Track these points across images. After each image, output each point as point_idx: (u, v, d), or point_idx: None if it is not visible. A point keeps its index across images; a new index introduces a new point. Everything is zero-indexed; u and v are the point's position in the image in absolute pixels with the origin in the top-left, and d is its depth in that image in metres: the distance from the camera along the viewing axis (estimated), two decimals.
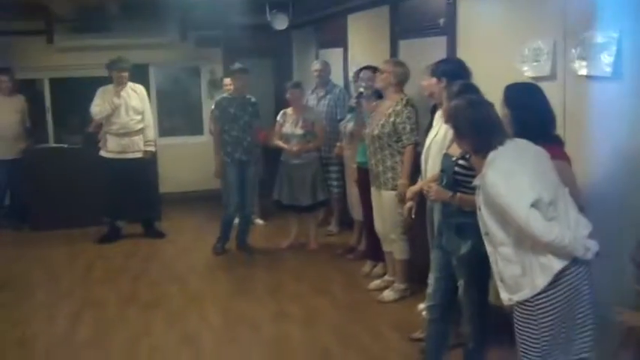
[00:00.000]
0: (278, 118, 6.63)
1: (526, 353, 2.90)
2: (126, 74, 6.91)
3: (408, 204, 4.23)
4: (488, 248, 2.95)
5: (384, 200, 5.09)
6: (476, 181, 2.92)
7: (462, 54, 4.83)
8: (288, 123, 6.48)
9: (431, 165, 4.17)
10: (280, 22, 7.74)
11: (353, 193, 6.22)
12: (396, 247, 5.17)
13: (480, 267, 3.49)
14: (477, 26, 4.71)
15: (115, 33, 8.33)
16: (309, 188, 6.47)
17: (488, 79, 4.08)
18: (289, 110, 6.55)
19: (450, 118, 3.05)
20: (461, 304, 3.68)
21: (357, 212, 6.26)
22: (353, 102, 5.15)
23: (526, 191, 2.74)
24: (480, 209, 2.93)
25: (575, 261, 2.77)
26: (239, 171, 6.43)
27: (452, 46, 4.95)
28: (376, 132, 5.00)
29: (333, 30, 7.60)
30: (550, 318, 2.80)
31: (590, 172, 3.50)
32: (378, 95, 5.38)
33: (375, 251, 5.80)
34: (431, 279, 3.79)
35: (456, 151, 3.57)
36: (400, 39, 5.90)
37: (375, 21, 6.46)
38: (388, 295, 5.21)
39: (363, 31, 6.89)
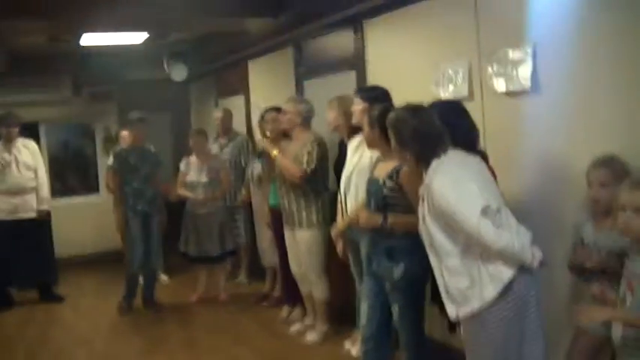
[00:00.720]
0: (181, 166, 6.41)
1: None
2: (16, 130, 6.52)
3: (340, 244, 4.16)
4: (433, 261, 2.85)
5: (299, 240, 4.95)
6: (421, 191, 2.83)
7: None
8: (193, 171, 6.26)
9: (353, 193, 4.08)
10: (179, 73, 7.62)
11: (264, 238, 6.05)
12: (315, 288, 5.02)
13: (414, 290, 3.48)
14: (387, 56, 4.75)
15: (3, 89, 7.86)
16: (217, 238, 6.22)
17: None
18: (192, 158, 6.35)
19: (392, 128, 2.94)
20: (397, 331, 3.58)
21: (269, 258, 6.08)
22: (261, 146, 5.04)
23: (475, 198, 2.69)
24: (423, 220, 2.83)
25: (521, 269, 2.72)
26: (142, 223, 6.10)
27: (362, 79, 4.97)
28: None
29: (233, 78, 7.54)
30: (501, 331, 2.72)
31: (514, 185, 3.52)
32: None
33: (291, 295, 5.63)
34: (363, 309, 3.67)
35: (380, 174, 3.53)
36: (305, 79, 5.89)
37: (277, 64, 6.47)
38: (311, 337, 5.03)
39: (265, 75, 6.87)
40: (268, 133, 5.10)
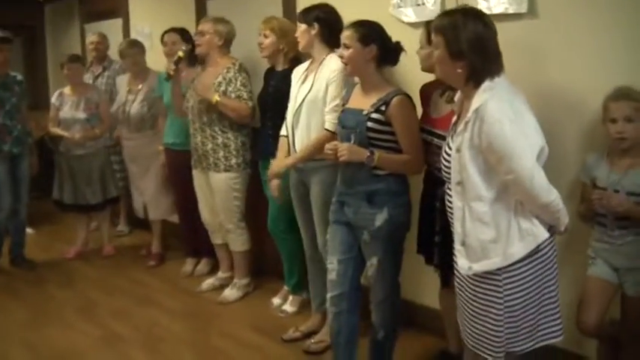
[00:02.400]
0: (53, 100, 5.39)
1: (481, 341, 2.40)
2: None
3: (275, 182, 3.60)
4: (456, 202, 2.38)
5: (215, 185, 4.31)
6: (457, 112, 2.33)
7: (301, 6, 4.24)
8: (67, 106, 5.28)
9: (303, 127, 3.49)
10: None
11: (147, 185, 5.26)
12: (233, 238, 4.43)
13: (396, 239, 3.05)
14: None
15: None
16: (98, 183, 5.35)
17: None
18: (67, 90, 5.36)
19: (445, 33, 2.32)
20: (371, 287, 3.13)
21: (155, 209, 5.30)
22: (171, 69, 4.23)
23: (534, 136, 2.25)
24: (457, 151, 2.34)
25: (551, 231, 2.36)
26: (10, 167, 5.07)
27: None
28: (205, 105, 4.19)
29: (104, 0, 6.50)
30: (519, 296, 2.33)
31: None
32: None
33: (194, 247, 5.03)
34: (333, 263, 3.16)
35: (362, 105, 3.02)
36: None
37: None
38: (230, 294, 4.44)
39: None
40: (181, 53, 4.27)
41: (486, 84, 2.28)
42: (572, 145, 2.97)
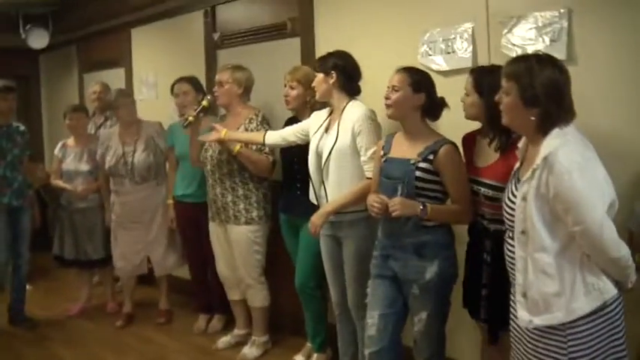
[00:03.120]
0: (56, 151, 5.24)
1: None
2: None
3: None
4: (519, 252, 2.27)
5: (235, 237, 4.14)
6: (538, 161, 2.18)
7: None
8: (70, 157, 5.13)
9: (335, 179, 3.36)
10: (38, 40, 6.31)
11: (154, 241, 4.92)
12: (253, 294, 4.24)
13: (446, 294, 2.95)
14: (343, 18, 4.08)
15: None
16: (100, 237, 5.12)
17: (378, 82, 3.48)
18: (70, 141, 5.21)
19: (518, 78, 2.24)
20: (417, 344, 3.00)
21: (161, 265, 4.97)
22: (192, 115, 4.05)
23: (605, 189, 2.16)
24: (522, 199, 2.23)
25: (618, 287, 2.25)
26: (9, 220, 4.85)
27: (308, 48, 4.24)
28: (225, 156, 4.06)
29: (109, 48, 6.38)
30: (584, 355, 2.19)
31: None
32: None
33: (207, 302, 4.83)
34: (374, 318, 3.02)
35: (405, 153, 2.92)
36: (219, 48, 5.02)
37: (177, 31, 5.50)
38: (249, 352, 4.23)
39: (155, 45, 5.84)
40: (205, 102, 4.12)
41: (556, 131, 2.21)
42: (621, 193, 2.88)
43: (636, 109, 2.83)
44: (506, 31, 3.25)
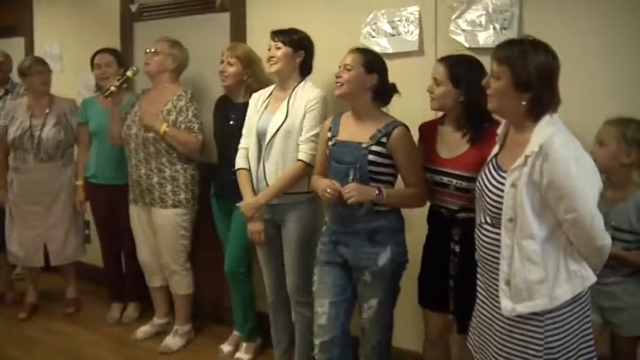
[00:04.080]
0: None
1: None
2: None
3: (258, 226, 3.30)
4: (506, 240, 2.21)
5: (160, 221, 3.90)
6: (532, 148, 2.13)
7: (252, 36, 4.01)
8: None
9: (276, 160, 3.23)
10: None
11: (55, 225, 4.49)
12: (177, 281, 4.02)
13: (396, 280, 2.90)
14: None
15: None
16: None
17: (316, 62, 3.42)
18: None
19: (510, 62, 2.17)
20: (365, 331, 2.95)
21: (62, 252, 4.52)
22: (114, 85, 3.77)
23: (596, 178, 2.15)
24: (512, 186, 2.18)
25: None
26: None
27: (239, 24, 4.05)
28: (151, 134, 3.81)
29: (6, 14, 5.82)
30: (560, 338, 2.21)
31: None
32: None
33: (120, 290, 4.55)
34: (324, 306, 2.92)
35: (356, 137, 2.84)
36: (137, 21, 4.71)
37: (87, 0, 5.12)
38: (173, 342, 4.02)
39: (60, 13, 5.40)
40: (130, 73, 3.89)
41: (547, 118, 2.18)
42: None
43: (588, 94, 2.88)
44: (455, 16, 3.24)
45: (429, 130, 2.92)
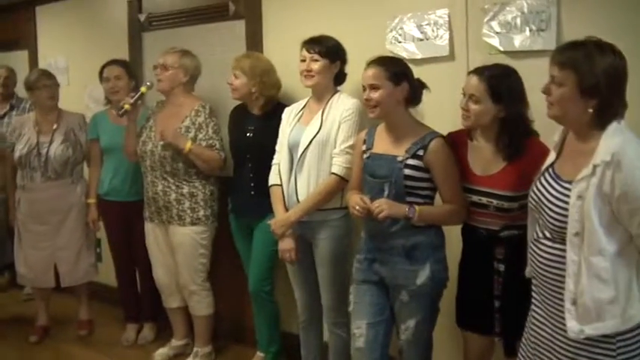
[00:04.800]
0: None
1: None
2: None
3: (289, 243, 3.14)
4: (572, 256, 2.03)
5: (178, 240, 3.73)
6: (602, 157, 1.95)
7: (269, 43, 3.85)
8: None
9: (308, 175, 3.08)
10: None
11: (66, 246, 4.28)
12: (197, 301, 3.85)
13: (436, 299, 2.74)
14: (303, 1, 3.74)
15: None
16: None
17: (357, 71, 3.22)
18: None
19: (577, 66, 1.99)
20: (403, 354, 2.79)
21: (73, 273, 4.32)
22: (128, 103, 3.60)
23: None
24: (579, 198, 2.00)
25: None
26: None
27: (255, 32, 3.89)
28: (170, 151, 3.63)
29: (8, 27, 5.67)
30: None
31: None
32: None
33: (136, 311, 4.39)
34: (361, 328, 2.76)
35: (392, 150, 2.69)
36: (146, 31, 4.54)
37: (93, 11, 4.95)
38: None
39: (65, 25, 5.23)
40: (144, 88, 3.71)
41: (615, 125, 2.00)
42: None
43: (631, 98, 2.72)
44: (488, 18, 3.08)
45: (458, 142, 2.74)
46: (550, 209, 2.10)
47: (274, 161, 3.29)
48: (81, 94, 4.93)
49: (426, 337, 2.77)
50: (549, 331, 2.17)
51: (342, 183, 3.03)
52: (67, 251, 4.27)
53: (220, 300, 3.99)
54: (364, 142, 2.84)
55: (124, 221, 4.15)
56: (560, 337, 2.13)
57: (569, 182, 2.05)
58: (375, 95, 2.67)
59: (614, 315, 2.00)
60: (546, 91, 2.10)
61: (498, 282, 2.60)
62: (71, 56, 5.13)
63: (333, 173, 3.03)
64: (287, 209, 3.14)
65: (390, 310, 2.78)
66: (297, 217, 3.07)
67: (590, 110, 2.01)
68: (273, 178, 3.26)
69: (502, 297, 2.60)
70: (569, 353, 2.09)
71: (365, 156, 2.80)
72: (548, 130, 2.52)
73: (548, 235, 2.13)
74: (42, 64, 5.32)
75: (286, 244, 3.14)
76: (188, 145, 3.52)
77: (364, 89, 2.72)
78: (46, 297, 4.49)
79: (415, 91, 2.75)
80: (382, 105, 2.68)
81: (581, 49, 2.02)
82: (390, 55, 3.14)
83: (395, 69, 2.71)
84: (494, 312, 2.62)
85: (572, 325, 2.06)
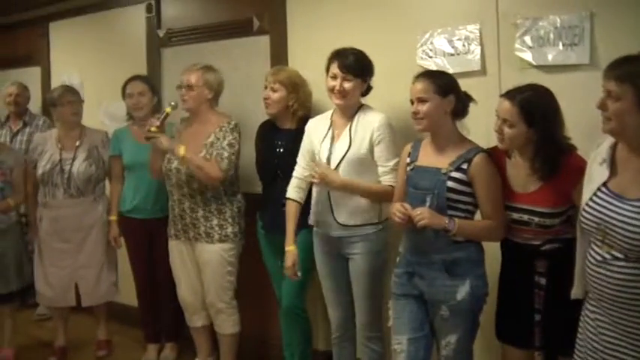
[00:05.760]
0: None
1: None
2: None
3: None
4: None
5: (206, 257, 3.69)
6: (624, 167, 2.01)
7: (295, 57, 3.84)
8: None
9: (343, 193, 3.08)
10: None
11: (87, 264, 4.22)
12: (223, 319, 3.80)
13: (476, 314, 2.73)
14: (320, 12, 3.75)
15: None
16: (14, 268, 4.15)
17: (385, 85, 3.27)
18: None
19: (636, 77, 2.02)
20: None
21: (95, 292, 4.26)
22: (154, 125, 3.57)
23: None
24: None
25: None
26: None
27: (279, 47, 3.88)
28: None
29: (21, 43, 5.64)
30: None
31: None
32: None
33: (156, 330, 4.33)
34: (402, 344, 2.75)
35: (436, 162, 2.70)
36: (165, 46, 4.53)
37: (108, 26, 4.93)
38: None
39: (79, 41, 5.21)
40: (172, 107, 3.62)
41: None
42: None
43: None
44: (520, 33, 3.08)
45: (496, 159, 2.74)
46: (623, 229, 2.06)
47: (295, 174, 3.29)
48: (95, 110, 4.89)
49: (467, 352, 2.76)
50: (627, 351, 2.13)
51: (392, 196, 3.00)
52: (89, 270, 4.21)
53: (245, 317, 3.94)
54: (409, 155, 2.86)
55: (146, 239, 4.10)
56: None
57: (637, 199, 2.04)
58: (423, 108, 2.69)
59: None
60: (602, 106, 2.11)
61: (539, 295, 2.60)
62: (85, 73, 5.09)
63: (390, 185, 3.02)
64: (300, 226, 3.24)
65: (429, 325, 2.77)
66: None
67: None
68: (291, 192, 3.28)
69: (543, 310, 2.60)
70: None
71: (409, 168, 2.81)
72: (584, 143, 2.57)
73: (619, 255, 2.09)
74: (55, 80, 5.30)
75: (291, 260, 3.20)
76: (182, 150, 3.48)
77: (412, 102, 2.73)
78: (64, 317, 4.42)
79: (462, 103, 2.76)
80: (429, 117, 2.69)
81: (638, 63, 2.02)
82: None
83: (442, 82, 2.73)
84: (535, 325, 2.62)
85: None
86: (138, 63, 4.63)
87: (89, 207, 4.22)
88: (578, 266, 2.31)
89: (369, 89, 3.20)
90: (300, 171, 3.28)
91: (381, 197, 3.05)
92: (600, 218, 2.13)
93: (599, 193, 2.17)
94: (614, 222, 2.09)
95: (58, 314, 4.42)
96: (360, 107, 3.16)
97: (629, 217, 2.05)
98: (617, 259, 2.10)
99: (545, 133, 2.52)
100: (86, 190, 4.20)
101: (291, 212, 3.24)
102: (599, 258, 2.15)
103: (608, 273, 2.12)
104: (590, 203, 2.18)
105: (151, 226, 4.04)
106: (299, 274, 3.25)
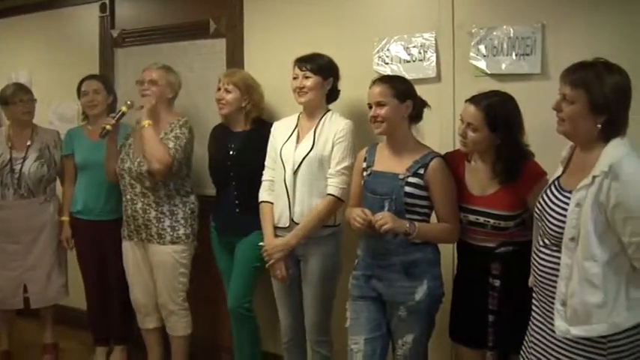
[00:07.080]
0: None
1: None
2: None
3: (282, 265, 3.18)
4: (565, 259, 2.14)
5: (158, 259, 3.67)
6: (601, 169, 2.07)
7: (251, 61, 3.87)
8: None
9: (303, 193, 3.12)
10: None
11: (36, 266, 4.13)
12: (175, 321, 3.77)
13: (433, 314, 2.80)
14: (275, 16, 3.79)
15: None
16: None
17: (342, 90, 3.32)
18: None
19: (586, 85, 2.11)
20: None
21: (43, 294, 4.16)
22: (110, 124, 3.52)
23: None
24: (577, 205, 2.11)
25: None
26: None
27: (235, 51, 3.91)
28: (146, 167, 3.57)
29: None
30: None
31: None
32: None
33: (105, 333, 4.24)
34: (359, 344, 2.80)
35: (393, 167, 2.77)
36: (119, 47, 4.48)
37: (59, 25, 4.85)
38: None
39: (28, 39, 5.10)
40: (124, 108, 3.60)
41: (617, 140, 2.14)
42: None
43: None
44: (475, 41, 3.18)
45: (454, 162, 2.83)
46: (551, 216, 2.21)
47: (265, 177, 3.31)
48: (45, 109, 4.78)
49: (422, 351, 2.83)
50: (544, 334, 2.28)
51: (338, 203, 3.09)
52: (38, 271, 4.12)
53: (197, 320, 3.92)
54: (365, 159, 2.90)
55: (97, 240, 4.02)
56: (555, 341, 2.23)
57: (570, 192, 2.17)
58: (382, 112, 2.75)
59: (600, 319, 2.11)
60: (557, 107, 2.22)
61: (493, 297, 2.67)
62: (35, 70, 4.98)
63: (330, 194, 3.07)
64: (275, 227, 3.18)
65: (387, 325, 2.82)
66: (297, 241, 3.10)
67: (599, 126, 2.13)
68: (263, 195, 3.29)
69: (496, 311, 2.67)
70: (563, 353, 2.19)
71: (365, 173, 2.86)
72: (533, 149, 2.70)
73: (547, 242, 2.25)
74: (1, 78, 5.16)
75: (279, 265, 3.16)
76: (147, 122, 3.49)
77: (370, 107, 2.78)
78: (9, 320, 4.30)
79: (418, 108, 2.83)
80: (388, 121, 2.75)
81: (591, 69, 2.15)
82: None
83: (401, 86, 2.79)
84: (488, 326, 2.69)
85: (560, 325, 2.18)
86: (90, 63, 4.56)
87: (39, 208, 4.14)
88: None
89: (335, 93, 3.25)
90: (270, 173, 3.30)
91: (329, 214, 3.10)
92: (542, 207, 2.27)
93: (551, 187, 2.30)
94: (547, 210, 2.23)
95: (2, 317, 4.30)
96: (327, 112, 3.21)
97: (558, 207, 2.19)
98: (545, 246, 2.25)
99: (507, 138, 2.61)
100: (37, 191, 4.12)
101: (267, 213, 3.25)
102: (536, 246, 2.30)
103: (538, 259, 2.27)
104: (542, 195, 2.31)
105: (101, 228, 3.97)
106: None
